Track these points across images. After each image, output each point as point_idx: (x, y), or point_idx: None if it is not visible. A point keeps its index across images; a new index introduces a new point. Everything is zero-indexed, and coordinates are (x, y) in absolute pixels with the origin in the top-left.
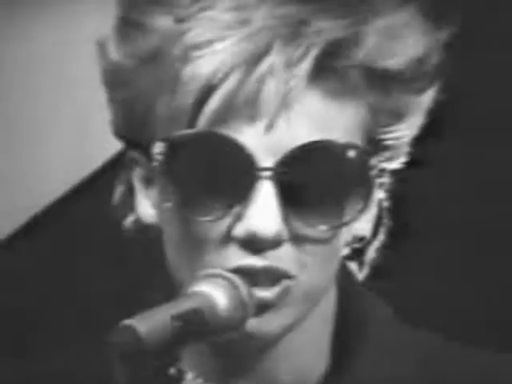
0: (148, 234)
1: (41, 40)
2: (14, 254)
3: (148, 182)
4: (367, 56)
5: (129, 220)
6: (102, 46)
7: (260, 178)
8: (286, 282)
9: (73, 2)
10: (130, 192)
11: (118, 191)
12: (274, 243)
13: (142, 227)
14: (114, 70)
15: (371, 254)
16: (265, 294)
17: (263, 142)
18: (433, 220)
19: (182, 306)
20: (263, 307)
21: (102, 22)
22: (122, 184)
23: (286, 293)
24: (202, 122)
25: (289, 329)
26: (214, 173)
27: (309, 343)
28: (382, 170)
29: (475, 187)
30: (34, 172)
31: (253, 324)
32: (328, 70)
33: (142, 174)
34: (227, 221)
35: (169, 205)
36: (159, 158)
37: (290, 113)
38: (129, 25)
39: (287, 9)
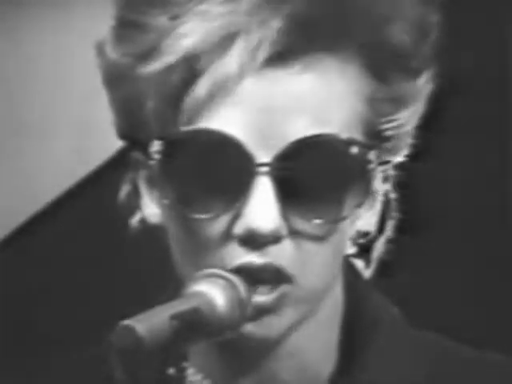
0: (154, 234)
1: (42, 41)
2: (14, 254)
3: (152, 182)
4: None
5: (134, 219)
6: (100, 46)
7: (257, 173)
8: (284, 288)
9: (73, 4)
10: (136, 191)
11: (124, 190)
12: (273, 239)
13: (148, 226)
14: (112, 69)
15: (378, 248)
16: (263, 298)
17: (259, 135)
18: (437, 214)
19: (181, 305)
20: (261, 312)
21: (103, 22)
22: (128, 183)
23: (284, 297)
24: (189, 110)
25: (290, 330)
26: (211, 170)
27: (315, 343)
28: (387, 163)
29: (482, 178)
30: (33, 172)
31: (252, 328)
32: (311, 51)
33: (147, 175)
34: (226, 218)
35: (167, 203)
36: (157, 156)
37: (284, 104)
38: (125, 24)
39: None
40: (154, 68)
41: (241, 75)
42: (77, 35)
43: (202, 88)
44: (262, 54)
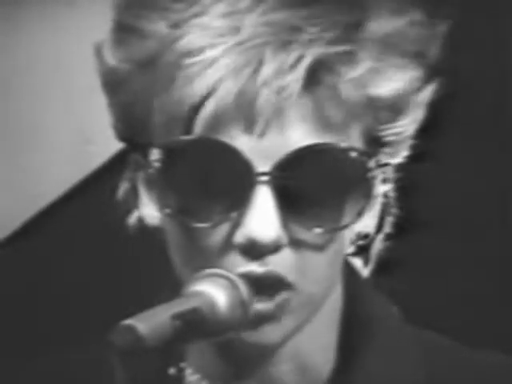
0: (152, 234)
1: (42, 44)
2: (14, 254)
3: (151, 185)
4: (358, 80)
5: (132, 218)
6: (98, 50)
7: (257, 182)
8: (284, 294)
9: (73, 6)
10: (134, 190)
11: (122, 188)
12: (274, 248)
13: (145, 226)
14: (110, 74)
15: (377, 246)
16: (263, 306)
17: (258, 146)
18: (437, 214)
19: (182, 305)
20: (262, 319)
21: (103, 25)
22: (127, 182)
23: (284, 304)
24: (197, 129)
25: (290, 336)
26: (211, 179)
27: (314, 344)
28: (386, 165)
29: (481, 180)
30: (33, 172)
31: (252, 336)
32: (319, 83)
33: (146, 177)
34: (226, 227)
35: (167, 211)
36: (156, 164)
37: (284, 116)
38: (124, 29)
39: (278, 15)
40: (163, 93)
41: (252, 100)
42: (77, 34)
43: (209, 110)
44: (276, 84)
